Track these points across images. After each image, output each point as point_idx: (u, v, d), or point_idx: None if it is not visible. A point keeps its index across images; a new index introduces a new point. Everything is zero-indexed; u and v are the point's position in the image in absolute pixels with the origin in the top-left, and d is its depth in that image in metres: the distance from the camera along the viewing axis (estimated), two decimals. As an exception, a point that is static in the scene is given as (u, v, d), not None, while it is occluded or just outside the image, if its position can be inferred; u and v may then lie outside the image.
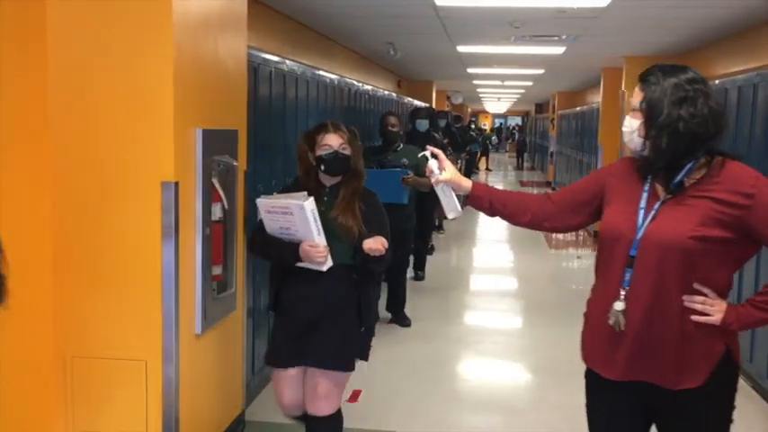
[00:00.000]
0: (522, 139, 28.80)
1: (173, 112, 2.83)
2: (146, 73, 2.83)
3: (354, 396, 4.50)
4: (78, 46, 2.85)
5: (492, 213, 2.43)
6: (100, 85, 2.86)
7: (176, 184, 2.86)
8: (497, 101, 26.70)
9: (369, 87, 8.12)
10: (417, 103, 11.29)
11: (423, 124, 7.21)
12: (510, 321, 6.81)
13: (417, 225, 6.62)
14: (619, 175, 2.27)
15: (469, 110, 31.36)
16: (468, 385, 5.03)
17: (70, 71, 2.86)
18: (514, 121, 40.84)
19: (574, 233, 11.41)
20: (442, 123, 10.30)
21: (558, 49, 8.49)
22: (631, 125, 2.15)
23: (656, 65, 2.17)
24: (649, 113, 2.09)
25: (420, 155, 2.49)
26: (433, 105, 14.67)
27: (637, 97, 2.14)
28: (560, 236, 11.33)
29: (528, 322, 6.75)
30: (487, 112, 38.22)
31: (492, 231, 11.61)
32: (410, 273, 7.26)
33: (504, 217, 2.43)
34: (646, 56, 8.53)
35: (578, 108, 15.05)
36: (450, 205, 2.42)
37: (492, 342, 6.02)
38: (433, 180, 2.40)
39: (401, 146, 5.93)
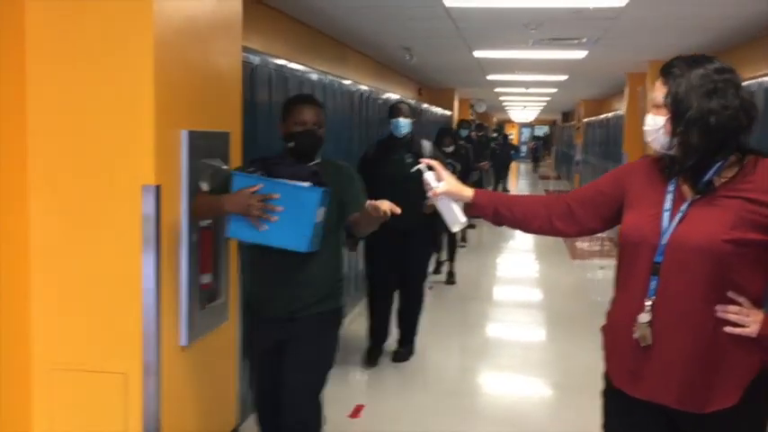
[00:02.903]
0: (537, 146, 32.32)
1: (153, 113, 2.69)
2: (125, 73, 2.70)
3: (356, 411, 4.32)
4: (57, 47, 2.73)
5: (497, 222, 2.25)
6: (78, 87, 2.73)
7: (158, 187, 2.72)
8: (523, 109, 26.48)
9: (388, 94, 7.97)
10: (440, 111, 11.13)
11: (401, 125, 4.98)
12: (529, 334, 6.59)
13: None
14: (639, 175, 2.10)
15: (495, 119, 31.19)
16: (481, 400, 4.84)
17: (48, 72, 2.74)
18: (542, 130, 40.54)
19: (598, 244, 11.16)
20: (465, 133, 9.87)
21: (580, 53, 8.29)
22: (655, 123, 1.97)
23: (679, 56, 1.99)
24: (676, 108, 1.91)
25: (414, 169, 2.32)
26: (455, 114, 14.52)
27: (660, 92, 1.96)
28: (584, 246, 11.08)
29: (547, 335, 6.54)
30: (513, 122, 37.94)
31: (513, 241, 11.40)
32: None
33: (511, 224, 2.25)
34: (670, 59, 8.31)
35: (603, 115, 14.82)
36: (452, 217, 2.27)
37: (509, 355, 5.83)
38: (430, 193, 2.24)
39: (318, 159, 3.05)
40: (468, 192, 2.24)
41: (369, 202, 2.58)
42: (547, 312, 7.37)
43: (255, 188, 2.69)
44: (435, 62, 9.63)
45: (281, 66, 4.48)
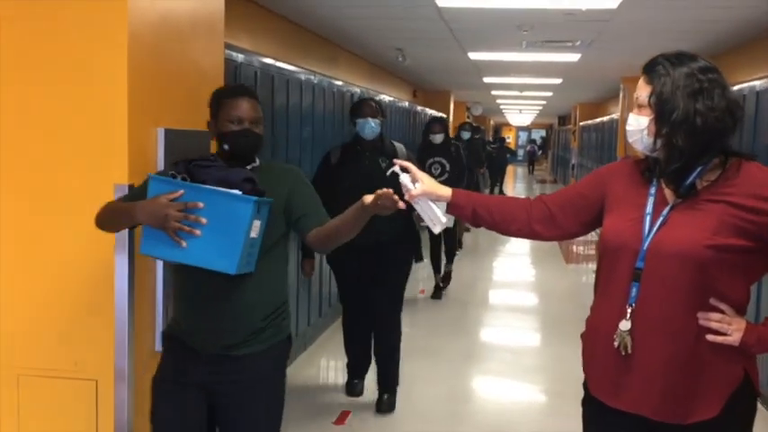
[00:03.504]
0: (533, 150, 32.92)
1: (127, 111, 2.61)
2: (98, 71, 2.62)
3: (342, 418, 4.24)
4: (29, 45, 2.65)
5: (476, 223, 2.18)
6: (50, 85, 2.65)
7: (131, 186, 2.63)
8: (519, 113, 26.48)
9: (382, 96, 7.91)
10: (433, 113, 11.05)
11: (370, 126, 4.19)
12: (522, 338, 6.52)
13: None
14: (620, 177, 2.02)
15: (492, 122, 31.22)
16: (472, 406, 4.74)
17: (20, 71, 2.66)
18: (539, 134, 40.66)
19: (593, 248, 11.10)
20: (467, 136, 9.57)
21: (573, 56, 8.24)
22: (638, 123, 1.89)
23: (661, 54, 1.91)
24: (661, 108, 1.83)
25: (389, 172, 2.23)
26: (451, 116, 14.47)
27: (643, 91, 1.88)
28: (580, 250, 11.02)
29: (541, 340, 6.47)
30: (510, 125, 37.99)
31: (508, 245, 11.33)
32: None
33: (490, 226, 2.17)
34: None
35: (598, 119, 14.80)
36: (433, 218, 2.18)
37: (500, 360, 5.74)
38: (407, 196, 2.16)
39: (257, 162, 2.51)
40: (445, 191, 2.16)
41: (379, 192, 2.15)
42: (541, 317, 7.29)
43: (175, 195, 2.20)
44: (429, 64, 9.56)
45: (267, 64, 4.40)
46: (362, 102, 4.39)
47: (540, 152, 37.27)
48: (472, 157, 9.08)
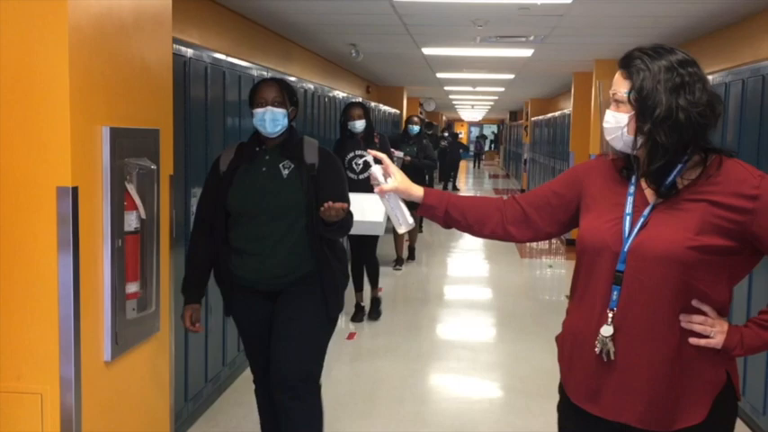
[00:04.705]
0: (479, 145, 35.30)
1: (69, 109, 2.47)
2: (37, 67, 2.47)
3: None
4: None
5: (447, 225, 2.09)
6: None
7: (75, 189, 2.50)
8: (471, 108, 26.59)
9: (336, 92, 7.82)
10: (386, 109, 10.94)
11: (270, 118, 3.05)
12: (477, 335, 6.48)
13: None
14: (597, 175, 1.95)
15: (444, 117, 31.33)
16: (427, 408, 4.68)
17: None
18: (490, 129, 41.04)
19: (547, 242, 11.17)
20: (416, 129, 9.30)
21: (526, 52, 8.25)
22: (617, 120, 1.81)
23: (637, 48, 1.84)
24: (642, 105, 1.76)
25: (362, 159, 2.14)
26: (404, 112, 14.43)
27: (622, 87, 1.81)
28: (534, 244, 11.07)
29: (497, 336, 6.44)
30: (462, 120, 38.22)
31: (462, 240, 11.33)
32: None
33: (462, 228, 2.09)
34: (616, 59, 8.33)
35: (550, 114, 14.90)
36: (400, 218, 2.10)
37: (456, 358, 5.69)
38: (377, 189, 2.07)
39: None
40: (417, 191, 2.07)
41: None
42: (497, 312, 7.27)
43: None
44: (383, 59, 9.49)
45: (218, 59, 4.26)
46: (261, 84, 3.15)
47: (493, 147, 38.32)
48: (424, 158, 8.63)
